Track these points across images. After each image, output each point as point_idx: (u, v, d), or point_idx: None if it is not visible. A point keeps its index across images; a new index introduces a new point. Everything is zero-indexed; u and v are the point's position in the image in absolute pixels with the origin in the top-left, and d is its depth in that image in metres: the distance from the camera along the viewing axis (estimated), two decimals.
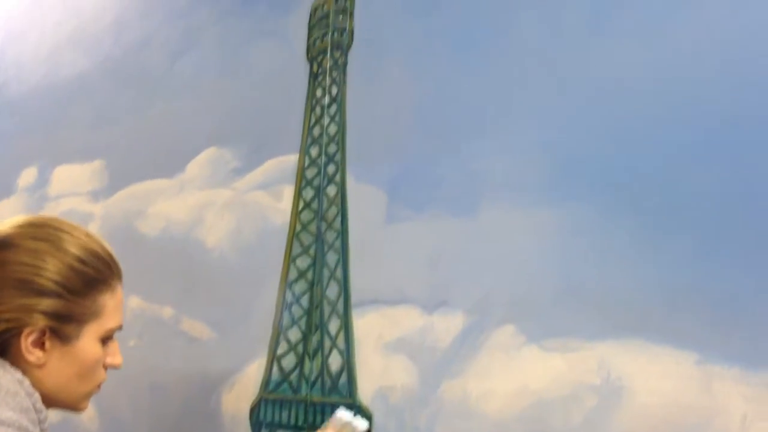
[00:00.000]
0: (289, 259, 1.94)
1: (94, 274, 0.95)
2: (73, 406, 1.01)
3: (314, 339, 1.84)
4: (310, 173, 1.97)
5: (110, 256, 1.01)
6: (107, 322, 0.96)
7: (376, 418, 1.69)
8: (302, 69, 2.07)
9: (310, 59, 2.08)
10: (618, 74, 1.50)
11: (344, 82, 1.97)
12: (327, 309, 1.84)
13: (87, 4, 2.74)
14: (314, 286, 1.88)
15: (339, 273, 1.84)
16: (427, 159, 1.73)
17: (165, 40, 2.46)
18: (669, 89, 1.42)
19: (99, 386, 1.03)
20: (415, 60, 1.84)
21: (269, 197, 2.07)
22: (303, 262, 1.92)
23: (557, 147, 1.53)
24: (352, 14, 2.03)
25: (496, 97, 1.65)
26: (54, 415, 1.04)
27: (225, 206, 2.16)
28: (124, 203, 2.39)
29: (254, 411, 1.92)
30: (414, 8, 1.90)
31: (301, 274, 1.92)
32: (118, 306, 0.99)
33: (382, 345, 1.72)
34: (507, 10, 1.69)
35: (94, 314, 0.96)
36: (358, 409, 1.68)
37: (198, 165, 2.26)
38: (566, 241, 1.46)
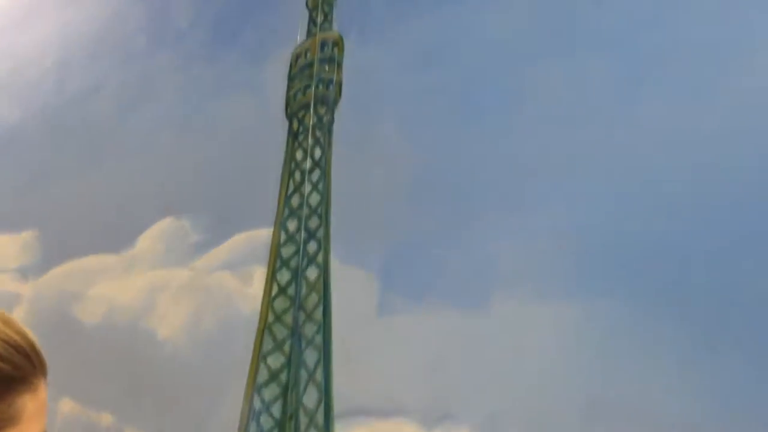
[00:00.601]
0: (259, 356, 1.98)
1: (11, 371, 0.90)
2: None
3: None
4: (286, 252, 2.04)
5: (33, 347, 0.93)
6: (26, 430, 0.91)
7: None
8: (280, 126, 2.18)
9: (290, 115, 2.19)
10: (659, 143, 1.59)
11: (329, 143, 2.07)
12: (304, 420, 1.87)
13: (24, 42, 2.89)
14: (289, 392, 1.91)
15: (319, 376, 1.87)
16: (427, 239, 1.80)
17: (116, 88, 2.59)
18: (722, 165, 1.49)
19: None
20: (412, 120, 1.95)
21: (236, 280, 2.13)
22: (275, 361, 1.96)
23: (584, 229, 1.59)
24: (340, 64, 2.16)
25: (509, 168, 1.74)
26: None
27: (182, 290, 2.22)
28: (58, 283, 2.44)
29: None
30: (413, 59, 2.02)
31: (273, 376, 1.95)
32: (40, 410, 0.93)
33: None
34: (521, 67, 1.81)
35: (9, 420, 0.90)
36: None
37: (151, 238, 2.33)
38: (595, 346, 1.49)
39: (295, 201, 2.04)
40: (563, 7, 1.79)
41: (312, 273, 1.94)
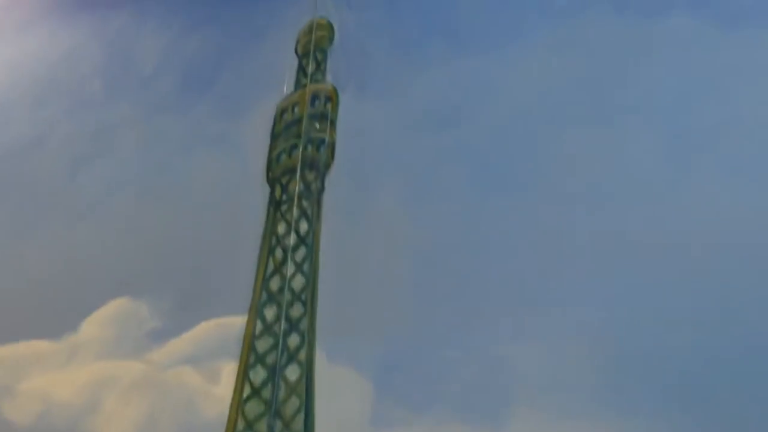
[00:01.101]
0: None
1: None
2: None
3: None
4: (262, 345, 2.05)
5: None
6: None
7: None
8: (259, 193, 2.23)
9: (272, 180, 2.23)
10: (708, 234, 1.63)
11: (318, 216, 2.10)
12: None
13: None
14: None
15: None
16: (432, 337, 1.81)
17: (65, 140, 2.64)
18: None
19: None
20: (417, 192, 1.99)
21: (200, 377, 2.13)
22: None
23: (619, 333, 1.62)
24: (333, 122, 2.21)
25: (529, 254, 1.77)
26: None
27: (133, 386, 2.21)
28: None
29: None
30: (420, 119, 2.08)
31: None
32: None
33: None
34: (547, 133, 1.87)
35: None
36: None
37: (98, 322, 2.34)
38: None
39: (274, 284, 2.06)
40: (600, 67, 1.86)
41: (292, 372, 1.95)
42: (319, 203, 2.11)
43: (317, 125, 2.18)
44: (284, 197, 2.16)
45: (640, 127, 1.76)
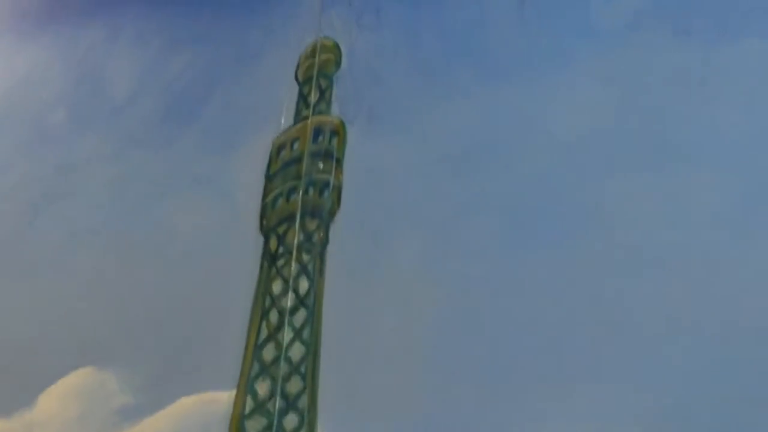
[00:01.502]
0: None
1: None
2: None
3: None
4: (253, 426, 2.03)
5: None
6: None
7: None
8: (251, 243, 2.22)
9: (266, 229, 2.23)
10: None
11: (321, 273, 2.10)
12: None
13: None
14: None
15: None
16: (452, 419, 1.80)
17: (22, 180, 2.64)
18: None
19: None
20: (438, 245, 1.99)
21: None
22: None
23: (666, 420, 1.61)
24: (339, 161, 2.21)
25: (566, 328, 1.75)
26: None
27: None
28: None
29: None
30: (442, 159, 2.08)
31: None
32: None
33: None
34: (591, 180, 1.86)
35: None
36: None
37: (58, 397, 2.32)
38: None
39: (268, 353, 2.05)
40: (655, 101, 1.86)
41: None
42: (322, 258, 2.10)
43: (320, 165, 2.19)
44: (281, 250, 2.16)
45: (704, 177, 1.74)
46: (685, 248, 1.70)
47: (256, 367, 2.06)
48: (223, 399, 2.08)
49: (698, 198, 1.73)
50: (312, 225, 2.14)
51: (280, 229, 2.18)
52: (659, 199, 1.77)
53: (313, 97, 2.31)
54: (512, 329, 1.80)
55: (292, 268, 2.11)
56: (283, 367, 2.03)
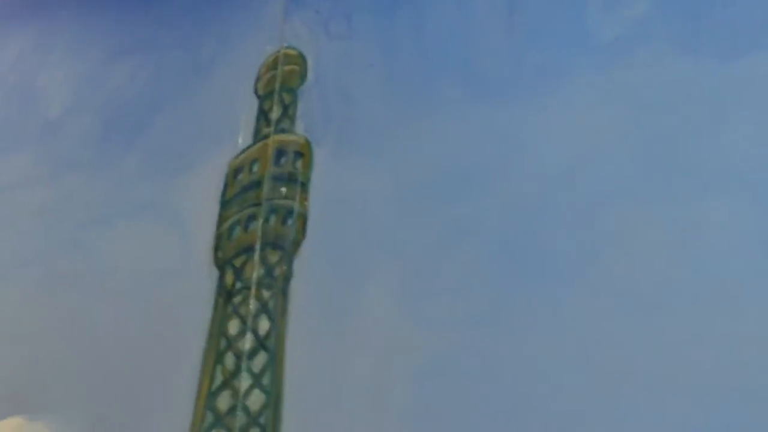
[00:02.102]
0: None
1: None
2: None
3: None
4: None
5: None
6: None
7: None
8: (203, 278, 2.22)
9: (221, 262, 2.23)
10: None
11: (284, 311, 2.10)
12: None
13: None
14: None
15: None
16: None
17: None
18: None
19: None
20: (416, 282, 1.99)
21: None
22: None
23: None
24: (305, 186, 2.22)
25: (562, 376, 1.75)
26: None
27: None
28: None
29: None
30: (425, 185, 2.10)
31: None
32: None
33: None
34: (598, 210, 1.88)
35: None
36: None
37: None
38: None
39: (223, 402, 2.06)
40: (661, 123, 1.89)
41: None
42: (284, 294, 2.11)
43: (283, 189, 2.21)
44: (238, 285, 2.16)
45: (714, 206, 1.76)
46: (693, 287, 1.72)
47: (209, 417, 2.06)
48: None
49: (708, 230, 1.75)
50: (273, 257, 2.15)
51: (237, 262, 2.19)
52: (664, 232, 1.79)
53: (275, 114, 2.33)
54: (497, 377, 1.80)
55: (251, 306, 2.11)
56: (240, 418, 2.03)
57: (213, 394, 2.06)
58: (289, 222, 2.15)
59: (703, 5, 1.94)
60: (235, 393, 2.05)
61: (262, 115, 2.34)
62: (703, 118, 1.85)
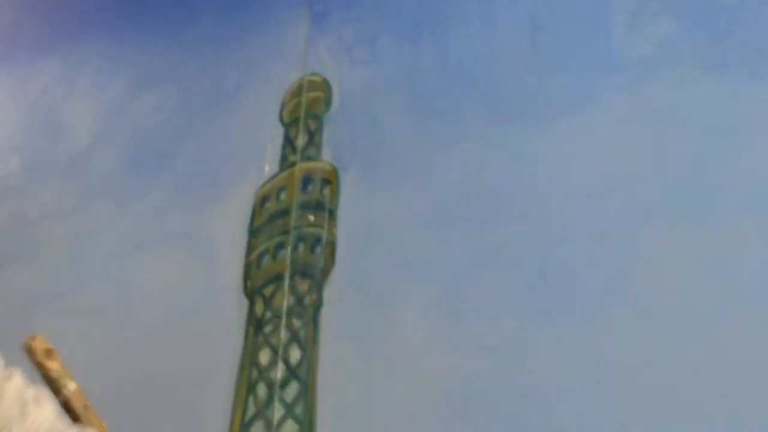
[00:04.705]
0: None
1: None
2: None
3: None
4: None
5: None
6: None
7: None
8: (233, 307, 2.25)
9: (251, 291, 2.26)
10: None
11: (315, 340, 2.12)
12: None
13: None
14: None
15: None
16: None
17: None
18: None
19: None
20: (446, 308, 2.01)
21: None
22: None
23: None
24: (333, 213, 2.24)
25: (592, 400, 1.76)
26: None
27: None
28: None
29: None
30: (448, 211, 2.12)
31: None
32: None
33: None
34: (621, 232, 1.89)
35: None
36: None
37: None
38: None
39: None
40: (689, 144, 1.91)
41: None
42: (315, 323, 2.13)
43: (311, 217, 2.23)
44: (268, 314, 2.18)
45: (745, 226, 1.78)
46: (722, 308, 1.73)
47: None
48: None
49: (737, 251, 1.76)
50: (303, 286, 2.17)
51: (267, 291, 2.21)
52: (693, 255, 1.80)
53: (300, 141, 2.34)
54: (528, 402, 1.82)
55: (282, 335, 2.13)
56: None
57: (246, 425, 2.08)
58: (318, 250, 2.16)
59: (727, 24, 1.95)
60: (268, 423, 2.06)
61: (288, 142, 2.36)
62: (729, 137, 1.87)
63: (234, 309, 2.22)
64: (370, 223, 2.17)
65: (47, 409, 0.98)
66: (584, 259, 1.90)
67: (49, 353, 1.21)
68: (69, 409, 1.21)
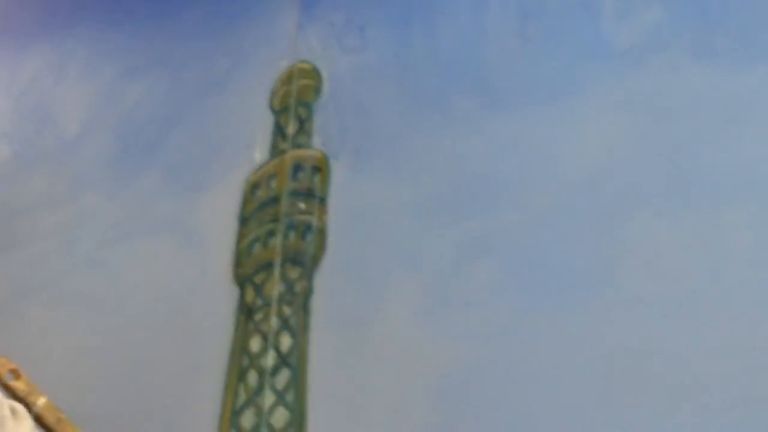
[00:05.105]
0: None
1: None
2: None
3: None
4: None
5: None
6: None
7: None
8: (223, 295, 2.25)
9: (241, 279, 2.26)
10: None
11: (305, 327, 2.12)
12: None
13: None
14: None
15: None
16: None
17: None
18: None
19: None
20: (437, 296, 2.01)
21: None
22: None
23: None
24: (324, 200, 2.25)
25: (589, 390, 1.76)
26: None
27: None
28: None
29: None
30: (440, 199, 2.12)
31: None
32: None
33: None
34: (620, 220, 1.89)
35: None
36: None
37: None
38: None
39: (247, 420, 2.07)
40: (679, 132, 1.91)
41: None
42: (305, 310, 2.13)
43: (302, 205, 2.23)
44: (259, 302, 2.18)
45: (733, 215, 1.78)
46: (714, 294, 1.74)
47: None
48: None
49: (727, 240, 1.77)
50: (294, 273, 2.17)
51: (258, 279, 2.21)
52: (683, 242, 1.81)
53: (291, 129, 2.34)
54: (518, 390, 1.83)
55: (272, 323, 2.13)
56: None
57: (237, 413, 2.08)
58: (309, 237, 2.16)
59: (717, 11, 1.95)
60: (259, 411, 2.06)
61: (279, 130, 2.36)
62: (720, 124, 1.87)
63: (224, 297, 2.23)
64: (361, 211, 2.17)
65: (25, 424, 0.99)
66: (575, 246, 1.90)
67: (14, 373, 1.22)
68: (42, 424, 1.22)
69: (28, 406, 1.23)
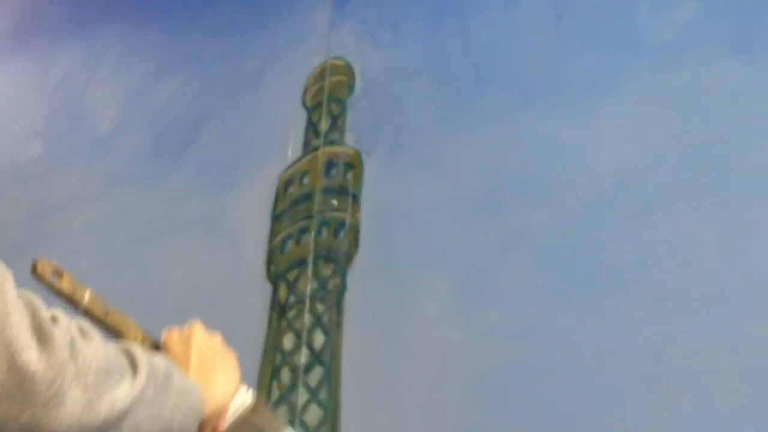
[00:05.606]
0: None
1: None
2: None
3: None
4: None
5: None
6: None
7: None
8: (256, 292, 2.26)
9: (274, 276, 2.27)
10: None
11: (339, 325, 2.13)
12: None
13: None
14: None
15: None
16: None
17: None
18: None
19: None
20: (471, 292, 2.01)
21: None
22: None
23: None
24: (357, 197, 2.25)
25: (622, 387, 1.77)
26: None
27: None
28: None
29: None
30: (473, 195, 2.12)
31: None
32: None
33: None
34: (647, 222, 1.89)
35: None
36: None
37: None
38: None
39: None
40: (716, 131, 1.90)
41: None
42: (338, 307, 2.13)
43: (334, 202, 2.24)
44: (292, 299, 2.19)
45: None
46: (748, 292, 1.73)
47: None
48: None
49: (763, 238, 1.76)
50: (326, 270, 2.18)
51: (290, 276, 2.22)
52: (722, 239, 1.80)
53: (323, 125, 2.35)
54: (551, 386, 1.82)
55: (305, 320, 2.14)
56: None
57: None
58: (342, 234, 2.17)
59: (754, 6, 1.94)
60: (292, 408, 2.07)
61: (311, 126, 2.36)
62: (756, 120, 1.86)
63: (257, 294, 2.23)
64: (394, 207, 2.17)
65: (96, 340, 1.00)
66: (609, 243, 1.90)
67: (57, 273, 1.24)
68: (92, 318, 1.25)
69: (76, 304, 1.26)
